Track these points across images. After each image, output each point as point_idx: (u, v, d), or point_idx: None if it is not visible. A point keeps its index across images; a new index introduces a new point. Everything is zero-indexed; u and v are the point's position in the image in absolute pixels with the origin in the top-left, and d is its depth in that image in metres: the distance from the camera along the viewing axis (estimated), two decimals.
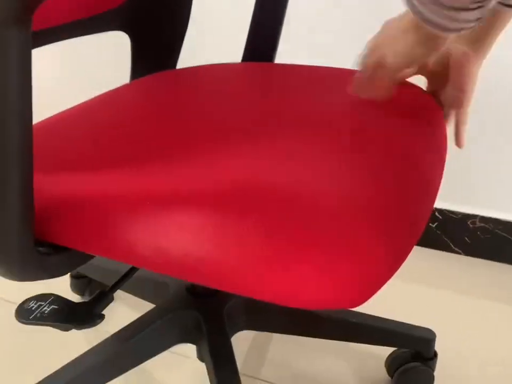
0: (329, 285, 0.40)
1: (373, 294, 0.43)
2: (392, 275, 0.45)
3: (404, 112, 0.65)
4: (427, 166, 0.58)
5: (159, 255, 0.44)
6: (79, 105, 0.73)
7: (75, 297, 1.11)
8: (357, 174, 0.50)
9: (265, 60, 0.86)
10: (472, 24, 0.52)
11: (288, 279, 0.40)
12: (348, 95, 0.67)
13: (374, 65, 0.62)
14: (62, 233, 0.50)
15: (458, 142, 0.71)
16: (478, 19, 0.51)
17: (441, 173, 0.62)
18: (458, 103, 0.69)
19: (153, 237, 0.44)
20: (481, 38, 0.66)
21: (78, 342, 0.98)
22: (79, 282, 1.09)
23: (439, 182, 0.60)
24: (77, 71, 1.45)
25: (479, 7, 0.50)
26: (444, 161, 0.64)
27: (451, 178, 1.19)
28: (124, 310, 1.07)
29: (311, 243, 0.40)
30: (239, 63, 0.86)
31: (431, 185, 0.57)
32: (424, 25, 0.54)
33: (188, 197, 0.45)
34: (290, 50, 1.17)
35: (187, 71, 0.83)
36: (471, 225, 1.20)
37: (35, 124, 0.65)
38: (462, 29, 0.53)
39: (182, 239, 0.43)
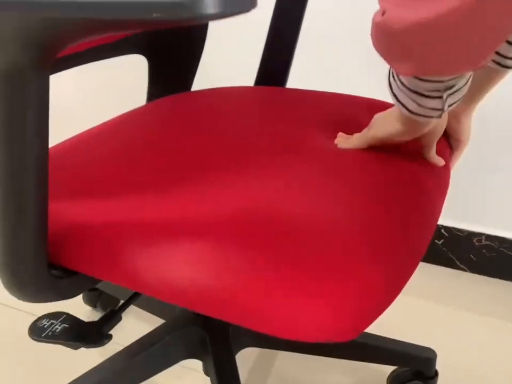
0: (329, 318, 0.42)
1: (373, 321, 0.45)
2: (391, 302, 0.47)
3: (409, 142, 0.67)
4: (429, 191, 0.59)
5: (162, 285, 0.46)
6: (94, 128, 0.75)
7: (87, 309, 1.14)
8: (357, 201, 0.52)
9: (278, 84, 0.89)
10: (436, 113, 0.53)
11: (287, 312, 0.42)
12: (355, 121, 0.69)
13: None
14: (73, 257, 0.52)
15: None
16: (440, 109, 0.52)
17: (444, 198, 0.63)
18: (455, 148, 0.72)
19: (157, 267, 0.46)
20: (474, 95, 0.66)
21: (87, 353, 1.01)
22: (91, 295, 1.12)
23: (441, 206, 0.62)
24: (95, 92, 1.48)
25: (439, 97, 0.51)
26: (447, 186, 0.66)
27: (458, 196, 1.21)
28: (133, 322, 1.09)
29: (310, 276, 0.42)
30: (253, 86, 0.88)
31: (432, 210, 0.58)
32: (399, 107, 0.55)
33: (192, 228, 0.47)
34: (301, 75, 1.19)
35: (201, 93, 0.85)
36: (476, 243, 1.21)
37: (50, 148, 0.68)
38: (428, 116, 0.54)
39: (185, 270, 0.45)
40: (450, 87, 0.51)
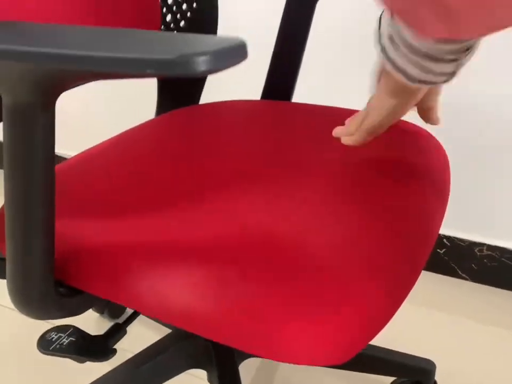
0: (323, 343, 0.43)
1: (371, 339, 0.46)
2: (389, 320, 0.48)
3: (409, 154, 0.68)
4: (429, 210, 0.60)
5: (161, 307, 0.48)
6: (101, 144, 0.77)
7: (94, 315, 1.16)
8: (355, 217, 0.53)
9: (284, 98, 0.90)
10: (445, 78, 0.49)
11: (282, 337, 0.43)
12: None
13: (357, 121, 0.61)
14: (78, 276, 0.54)
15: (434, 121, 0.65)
16: (450, 73, 0.48)
17: (444, 208, 0.64)
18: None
19: (158, 290, 0.48)
20: None
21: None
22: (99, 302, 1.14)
23: (442, 216, 0.62)
24: (104, 105, 1.50)
25: (453, 59, 0.47)
26: (447, 197, 0.66)
27: (460, 207, 1.22)
28: (140, 328, 1.11)
29: (306, 300, 0.44)
30: (259, 100, 0.90)
31: (432, 221, 0.59)
32: (395, 74, 0.50)
33: (193, 251, 0.49)
34: (306, 90, 1.21)
35: (210, 106, 0.87)
36: (478, 253, 1.22)
37: (57, 166, 0.70)
38: (431, 82, 0.49)
39: (183, 295, 0.47)
40: (471, 47, 0.46)
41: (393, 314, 0.49)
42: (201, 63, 0.29)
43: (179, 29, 0.94)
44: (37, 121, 0.43)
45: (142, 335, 1.08)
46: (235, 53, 0.31)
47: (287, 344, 0.43)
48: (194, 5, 0.95)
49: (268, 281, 0.46)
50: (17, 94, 0.41)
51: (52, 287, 0.54)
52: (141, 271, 0.50)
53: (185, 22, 0.95)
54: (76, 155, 0.74)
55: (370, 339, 0.46)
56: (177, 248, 0.50)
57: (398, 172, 0.63)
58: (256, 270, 0.47)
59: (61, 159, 1.67)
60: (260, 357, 0.45)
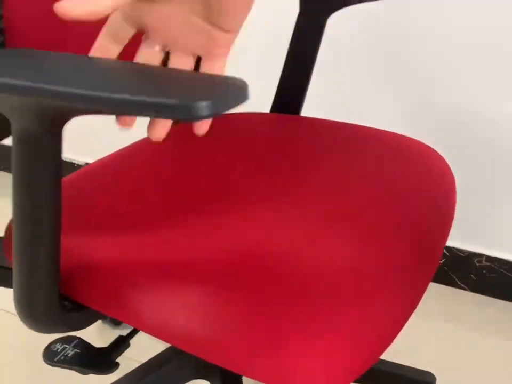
0: (321, 375, 0.44)
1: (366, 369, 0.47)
2: (390, 343, 0.49)
3: (416, 172, 0.69)
4: (435, 233, 0.61)
5: (161, 328, 0.49)
6: (109, 156, 0.77)
7: (97, 322, 1.17)
8: (362, 233, 0.54)
9: (293, 112, 0.91)
10: None
11: (277, 368, 0.44)
12: (368, 155, 0.70)
13: None
14: (82, 292, 0.55)
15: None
16: None
17: (446, 237, 0.64)
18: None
19: (158, 310, 0.49)
20: None
21: None
22: None
23: (443, 245, 0.63)
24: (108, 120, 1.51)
25: None
26: (451, 224, 0.67)
27: (459, 217, 1.23)
28: (144, 337, 1.13)
29: (302, 330, 0.45)
30: (270, 113, 0.90)
31: (435, 250, 0.60)
32: None
33: (195, 272, 0.50)
34: (313, 103, 1.22)
35: (218, 118, 0.87)
36: (477, 264, 1.24)
37: (64, 178, 0.71)
38: None
39: (186, 316, 0.48)
40: None
41: (397, 334, 0.50)
42: (203, 109, 0.31)
43: None
44: (45, 145, 0.44)
45: (146, 343, 1.09)
46: (237, 98, 0.32)
47: (283, 375, 0.44)
48: None
49: (275, 305, 0.47)
50: (25, 121, 0.43)
51: (56, 301, 0.55)
52: (144, 290, 0.51)
53: None
54: (80, 169, 0.75)
55: (376, 360, 0.47)
56: (180, 267, 0.51)
57: (404, 190, 0.64)
58: (257, 298, 0.48)
59: (70, 164, 1.68)
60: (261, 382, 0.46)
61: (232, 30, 0.42)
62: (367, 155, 0.72)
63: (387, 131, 0.81)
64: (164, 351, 0.84)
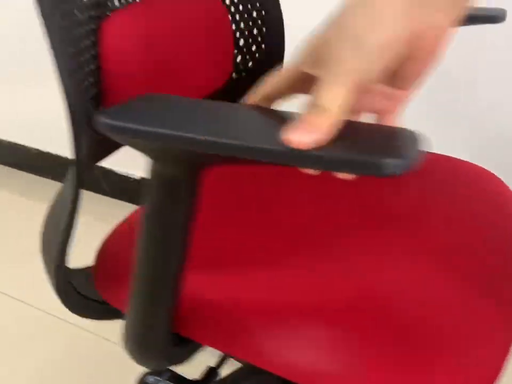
0: None
1: None
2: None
3: (489, 204, 0.69)
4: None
5: (286, 367, 0.50)
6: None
7: None
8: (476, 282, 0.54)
9: None
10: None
11: None
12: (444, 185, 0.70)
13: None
14: (196, 329, 0.55)
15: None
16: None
17: None
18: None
19: (281, 349, 0.50)
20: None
21: None
22: None
23: None
24: None
25: None
26: None
27: None
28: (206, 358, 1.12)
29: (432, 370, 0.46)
30: None
31: None
32: None
33: (311, 311, 0.51)
34: None
35: None
36: None
37: None
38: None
39: (312, 356, 0.49)
40: None
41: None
42: (396, 169, 0.31)
43: (248, 70, 0.97)
44: (184, 189, 0.46)
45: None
46: (418, 158, 0.33)
47: None
48: (263, 46, 0.97)
49: (388, 352, 0.47)
50: (168, 165, 0.44)
51: (170, 339, 0.55)
52: (266, 330, 0.51)
53: (253, 63, 0.97)
54: None
55: None
56: (295, 307, 0.52)
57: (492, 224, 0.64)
58: (379, 339, 0.48)
59: (126, 178, 1.70)
60: None
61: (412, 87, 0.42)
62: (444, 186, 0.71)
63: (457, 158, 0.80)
64: (232, 373, 0.82)
